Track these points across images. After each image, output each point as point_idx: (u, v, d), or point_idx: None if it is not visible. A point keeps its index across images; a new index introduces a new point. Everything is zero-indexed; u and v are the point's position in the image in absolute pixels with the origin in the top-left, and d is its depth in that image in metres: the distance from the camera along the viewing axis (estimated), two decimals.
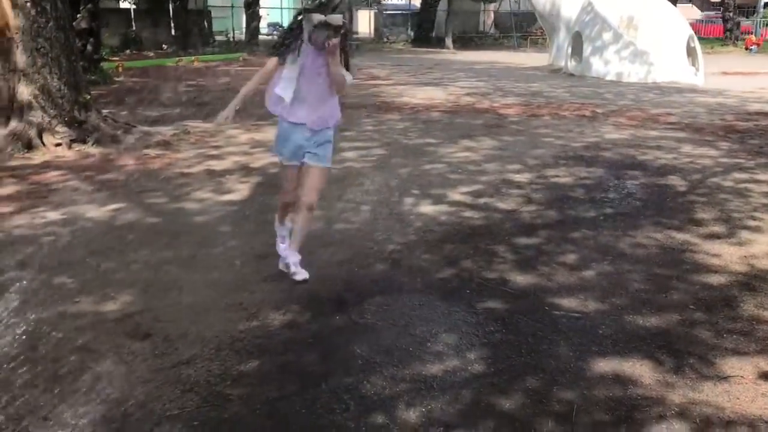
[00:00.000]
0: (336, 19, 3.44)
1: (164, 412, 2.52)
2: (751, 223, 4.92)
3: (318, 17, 3.44)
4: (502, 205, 5.36)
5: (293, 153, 3.70)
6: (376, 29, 37.77)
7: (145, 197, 5.46)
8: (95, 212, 5.01)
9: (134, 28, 25.03)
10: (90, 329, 3.16)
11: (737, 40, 32.52)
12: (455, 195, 5.63)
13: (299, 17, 3.60)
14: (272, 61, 3.65)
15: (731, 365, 2.90)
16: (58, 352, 2.93)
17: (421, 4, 35.46)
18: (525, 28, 37.68)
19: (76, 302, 3.44)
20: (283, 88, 3.60)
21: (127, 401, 2.58)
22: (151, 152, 7.14)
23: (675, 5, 24.14)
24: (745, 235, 4.65)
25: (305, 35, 3.52)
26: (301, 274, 3.73)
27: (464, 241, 4.48)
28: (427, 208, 5.26)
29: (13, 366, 2.79)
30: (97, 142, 7.25)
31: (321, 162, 3.72)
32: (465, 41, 34.63)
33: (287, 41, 3.62)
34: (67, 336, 3.07)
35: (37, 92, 7.00)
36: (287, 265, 3.76)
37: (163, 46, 25.06)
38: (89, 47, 13.83)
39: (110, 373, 2.77)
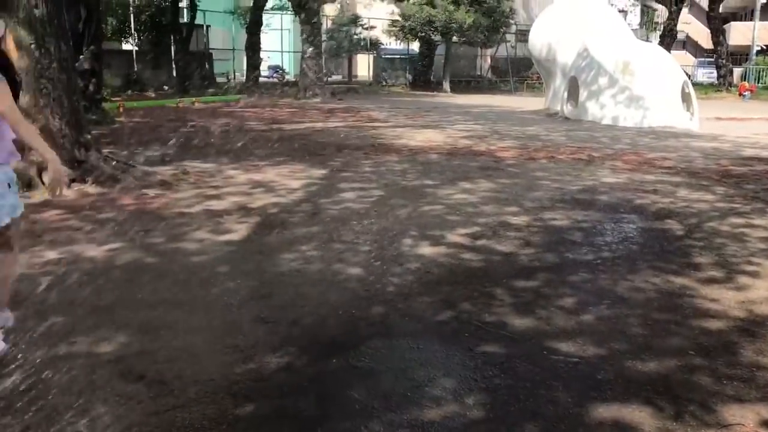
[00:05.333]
0: None
1: None
2: (749, 267, 4.92)
3: None
4: (500, 248, 5.36)
5: None
6: (374, 73, 38.29)
7: (144, 237, 5.46)
8: (93, 252, 5.00)
9: (136, 69, 25.36)
10: (84, 371, 3.12)
11: (730, 86, 33.01)
12: (453, 237, 5.64)
13: None
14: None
15: (732, 413, 2.86)
16: (50, 394, 2.89)
17: (420, 48, 36.00)
18: (521, 73, 38.24)
19: (72, 342, 3.41)
20: None
21: None
22: (151, 192, 7.16)
23: (669, 51, 24.58)
24: (743, 279, 4.64)
25: None
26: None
27: (463, 284, 4.47)
28: (425, 249, 5.26)
29: (3, 407, 2.75)
30: (97, 182, 7.28)
31: None
32: (462, 85, 35.12)
33: None
34: (61, 378, 3.03)
35: (38, 132, 7.05)
36: None
37: (164, 86, 25.36)
38: (91, 87, 13.99)
39: (103, 416, 2.73)
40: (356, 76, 39.17)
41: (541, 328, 3.76)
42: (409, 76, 36.96)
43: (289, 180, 8.13)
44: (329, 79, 33.44)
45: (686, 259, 5.14)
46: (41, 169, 7.03)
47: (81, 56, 13.57)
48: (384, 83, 36.12)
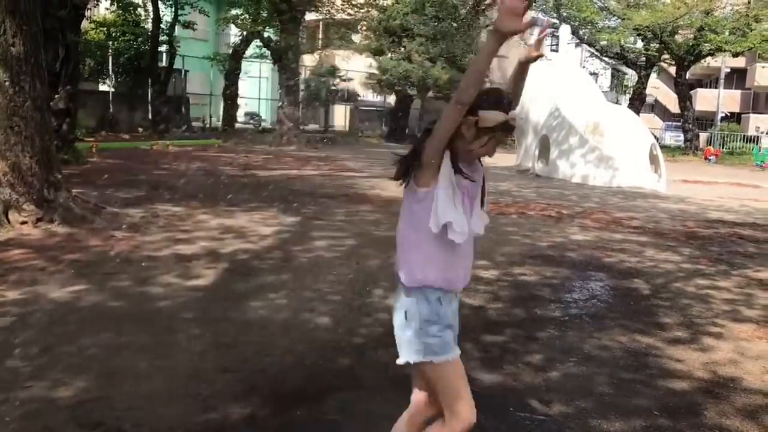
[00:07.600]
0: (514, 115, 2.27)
1: None
2: (713, 329, 4.98)
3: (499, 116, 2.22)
4: (469, 301, 5.36)
5: (453, 338, 2.34)
6: (351, 123, 38.70)
7: (110, 280, 5.36)
8: (56, 293, 4.90)
9: (111, 110, 25.27)
10: (39, 417, 3.02)
11: (697, 150, 33.96)
12: None
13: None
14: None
15: None
16: None
17: (396, 102, 36.56)
18: None
19: (27, 387, 3.31)
20: (455, 220, 2.26)
21: None
22: (119, 234, 7.07)
23: (638, 114, 25.28)
24: (707, 341, 4.69)
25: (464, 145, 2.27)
26: None
27: None
28: None
29: None
30: (65, 222, 7.17)
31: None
32: None
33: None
34: (13, 424, 2.93)
35: (7, 170, 6.96)
36: None
37: (139, 129, 25.29)
38: (65, 127, 13.88)
39: None
40: (333, 126, 39.51)
41: (508, 383, 3.74)
42: (385, 128, 37.37)
43: (261, 226, 8.09)
44: (306, 127, 33.68)
45: (652, 318, 5.19)
46: (8, 206, 6.92)
47: (56, 95, 13.51)
48: (360, 134, 36.46)
